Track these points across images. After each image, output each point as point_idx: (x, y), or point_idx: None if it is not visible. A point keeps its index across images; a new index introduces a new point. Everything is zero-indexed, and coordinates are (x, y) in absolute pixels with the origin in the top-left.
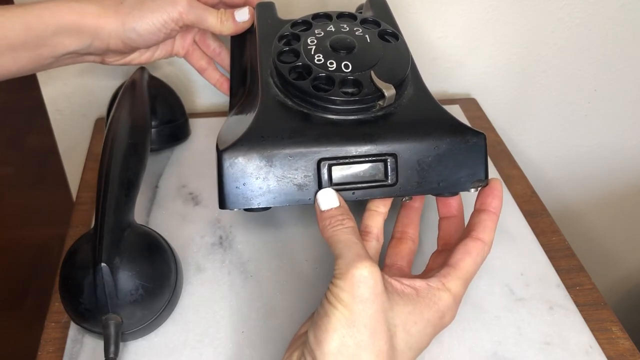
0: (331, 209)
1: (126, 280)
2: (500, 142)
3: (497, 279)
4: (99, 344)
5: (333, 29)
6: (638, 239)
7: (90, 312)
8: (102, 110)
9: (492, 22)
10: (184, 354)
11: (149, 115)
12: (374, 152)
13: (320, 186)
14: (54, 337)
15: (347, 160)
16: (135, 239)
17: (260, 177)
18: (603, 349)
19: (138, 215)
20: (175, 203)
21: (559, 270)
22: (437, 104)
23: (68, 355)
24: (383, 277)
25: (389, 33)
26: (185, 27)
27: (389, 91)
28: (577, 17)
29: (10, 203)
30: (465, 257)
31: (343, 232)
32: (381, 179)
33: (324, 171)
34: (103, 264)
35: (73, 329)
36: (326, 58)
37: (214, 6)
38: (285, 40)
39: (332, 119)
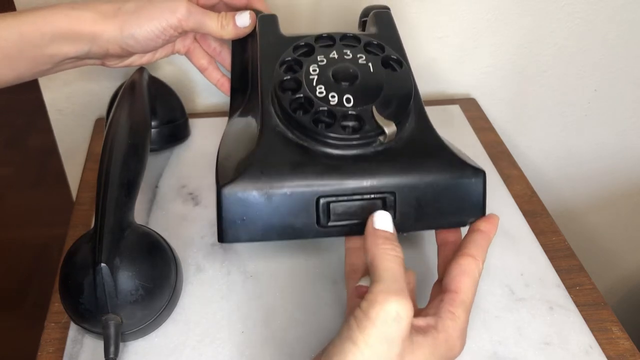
0: (386, 231)
1: (126, 280)
2: (500, 142)
3: (497, 279)
4: (99, 344)
5: (336, 56)
6: (638, 239)
7: (90, 312)
8: (102, 110)
9: (492, 22)
10: (184, 354)
11: (148, 115)
12: (373, 190)
13: (319, 222)
14: (54, 337)
15: (345, 198)
16: (135, 239)
17: (259, 213)
18: (603, 349)
19: (138, 215)
20: (175, 203)
21: (559, 270)
22: (438, 136)
23: (68, 355)
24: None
25: (393, 59)
26: (185, 33)
27: (390, 128)
28: (577, 17)
29: (10, 203)
30: (463, 278)
31: (395, 260)
32: None
33: (323, 208)
34: (103, 264)
35: (73, 329)
36: (328, 90)
37: (214, 6)
38: (286, 66)
39: (332, 153)
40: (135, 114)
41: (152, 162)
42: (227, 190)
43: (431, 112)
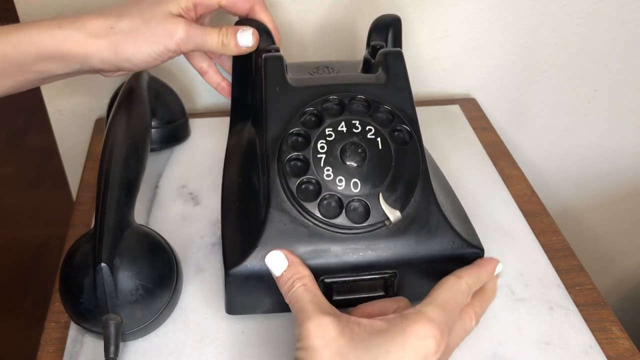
0: (283, 272)
1: (126, 280)
2: (500, 142)
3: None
4: (99, 344)
5: (344, 129)
6: (638, 239)
7: (90, 312)
8: (102, 110)
9: (492, 22)
10: (184, 354)
11: (149, 115)
12: (376, 270)
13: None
14: (54, 337)
15: (348, 279)
16: (135, 239)
17: (264, 292)
18: (603, 349)
19: (138, 215)
20: (175, 203)
21: (559, 270)
22: (442, 212)
23: (68, 355)
24: (340, 322)
25: (403, 130)
26: (183, 53)
27: (395, 216)
28: (577, 17)
29: (10, 203)
30: (438, 288)
31: (297, 292)
32: (380, 293)
33: (326, 286)
34: (103, 264)
35: (73, 329)
36: (335, 173)
37: (213, 12)
38: (294, 139)
39: (337, 234)
40: (135, 114)
41: (152, 162)
42: (234, 272)
43: (431, 112)
